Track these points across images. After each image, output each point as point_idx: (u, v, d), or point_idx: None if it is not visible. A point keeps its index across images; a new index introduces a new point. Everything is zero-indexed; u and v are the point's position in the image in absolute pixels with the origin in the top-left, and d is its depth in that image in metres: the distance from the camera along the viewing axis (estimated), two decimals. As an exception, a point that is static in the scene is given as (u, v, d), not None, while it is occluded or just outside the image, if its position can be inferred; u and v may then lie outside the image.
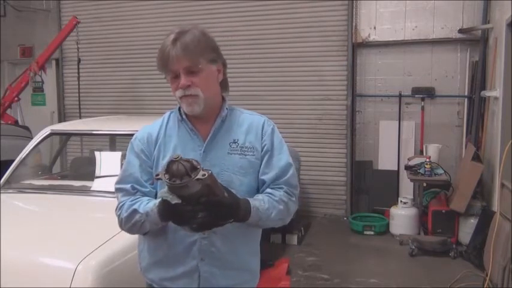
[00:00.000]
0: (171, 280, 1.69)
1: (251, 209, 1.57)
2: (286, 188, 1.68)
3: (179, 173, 1.38)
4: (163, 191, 1.47)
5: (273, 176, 1.68)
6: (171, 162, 1.40)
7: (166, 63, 1.60)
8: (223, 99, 1.75)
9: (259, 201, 1.61)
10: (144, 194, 1.68)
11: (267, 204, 1.62)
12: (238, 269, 1.72)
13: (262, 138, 1.72)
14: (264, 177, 1.68)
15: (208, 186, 1.42)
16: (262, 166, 1.69)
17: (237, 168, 1.66)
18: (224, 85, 1.75)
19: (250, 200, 1.60)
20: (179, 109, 1.73)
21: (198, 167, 1.40)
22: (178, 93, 1.63)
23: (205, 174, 1.38)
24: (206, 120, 1.70)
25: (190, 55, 1.59)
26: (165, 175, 1.40)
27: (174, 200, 1.43)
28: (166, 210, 1.50)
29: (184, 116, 1.71)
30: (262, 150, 1.71)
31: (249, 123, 1.74)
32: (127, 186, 1.68)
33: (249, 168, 1.68)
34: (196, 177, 1.37)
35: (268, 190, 1.67)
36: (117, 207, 1.69)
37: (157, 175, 1.43)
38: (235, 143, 1.69)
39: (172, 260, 1.67)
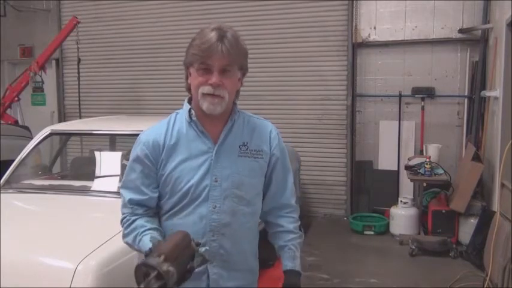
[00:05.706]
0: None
1: (300, 272, 1.78)
2: (294, 214, 1.83)
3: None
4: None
5: (284, 197, 1.82)
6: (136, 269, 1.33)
7: (208, 55, 1.57)
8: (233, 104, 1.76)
9: (295, 257, 1.78)
10: (143, 204, 1.68)
11: (298, 251, 1.80)
12: (243, 270, 1.74)
13: (269, 142, 1.75)
14: (275, 196, 1.80)
15: (167, 271, 1.30)
16: (272, 184, 1.78)
17: (247, 171, 1.69)
18: (237, 93, 1.75)
19: (296, 268, 1.77)
20: (189, 110, 1.70)
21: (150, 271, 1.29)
22: (206, 89, 1.60)
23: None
24: (216, 123, 1.69)
25: (232, 55, 1.60)
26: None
27: None
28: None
29: (194, 118, 1.69)
30: (269, 155, 1.75)
31: (257, 127, 1.77)
32: (126, 198, 1.69)
33: (258, 170, 1.72)
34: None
35: (285, 225, 1.80)
36: (121, 219, 1.71)
37: None
38: (244, 145, 1.71)
39: None
